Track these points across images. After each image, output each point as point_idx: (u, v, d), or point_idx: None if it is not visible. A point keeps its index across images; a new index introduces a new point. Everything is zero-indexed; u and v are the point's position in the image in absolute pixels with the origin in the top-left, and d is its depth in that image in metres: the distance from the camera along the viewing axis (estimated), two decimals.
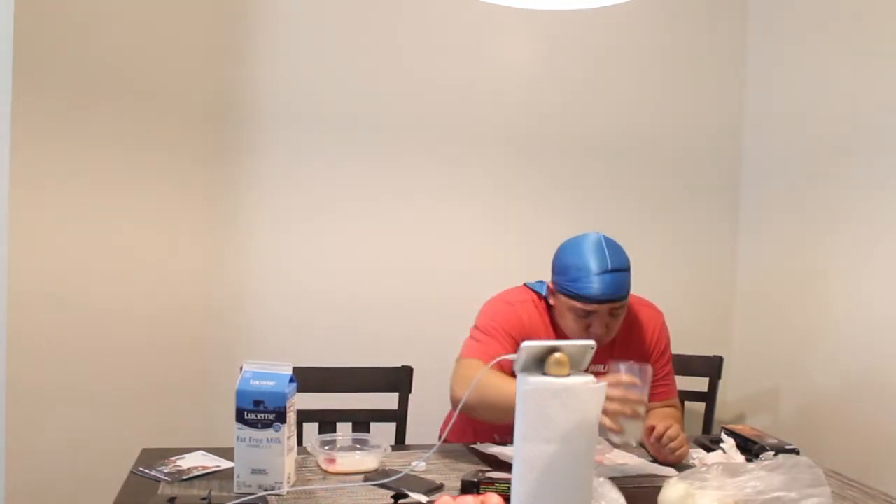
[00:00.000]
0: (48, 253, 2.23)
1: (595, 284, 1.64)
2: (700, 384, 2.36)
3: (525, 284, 1.88)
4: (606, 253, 1.67)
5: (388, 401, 2.06)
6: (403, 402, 2.04)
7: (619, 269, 1.66)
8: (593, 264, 1.65)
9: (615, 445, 1.46)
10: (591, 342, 1.20)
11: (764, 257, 2.63)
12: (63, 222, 2.24)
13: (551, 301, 1.78)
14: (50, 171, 2.22)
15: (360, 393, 2.07)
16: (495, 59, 2.57)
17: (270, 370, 1.46)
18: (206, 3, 2.34)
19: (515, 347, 1.58)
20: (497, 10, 2.49)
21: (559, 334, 1.80)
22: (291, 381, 1.46)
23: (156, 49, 2.30)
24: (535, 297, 1.83)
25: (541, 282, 1.86)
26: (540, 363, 1.17)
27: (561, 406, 1.13)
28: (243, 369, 1.47)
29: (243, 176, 2.41)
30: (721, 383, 2.38)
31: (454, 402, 1.68)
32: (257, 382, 1.43)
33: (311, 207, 2.46)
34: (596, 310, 1.67)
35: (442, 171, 2.54)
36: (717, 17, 2.72)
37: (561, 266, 1.71)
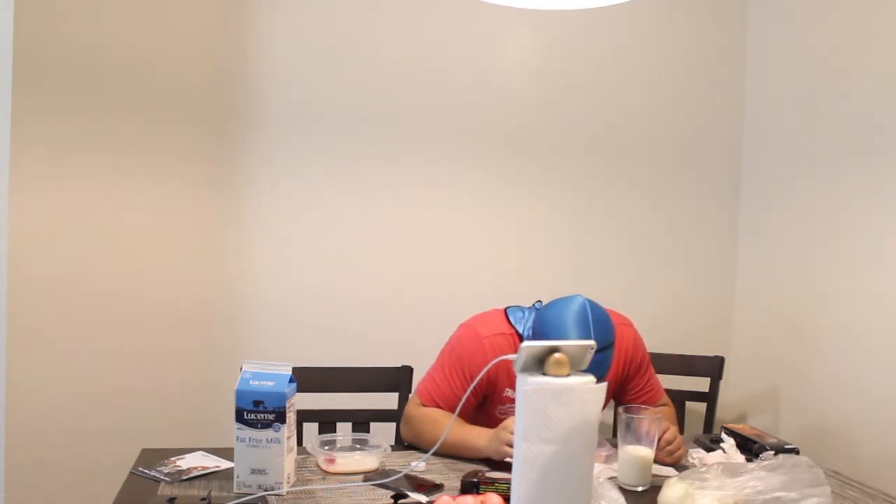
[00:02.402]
0: (48, 253, 2.22)
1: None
2: (701, 384, 2.35)
3: (506, 311, 1.79)
4: (591, 332, 1.56)
5: (388, 401, 2.06)
6: (403, 402, 2.04)
7: (602, 349, 1.56)
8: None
9: (623, 487, 1.48)
10: (591, 342, 1.20)
11: (764, 257, 2.63)
12: (62, 222, 2.24)
13: None
14: (50, 171, 2.22)
15: (360, 393, 2.07)
16: (496, 58, 2.57)
17: (270, 370, 1.46)
18: (206, 3, 2.34)
19: (472, 391, 1.65)
20: (498, 10, 2.49)
21: None
22: (291, 381, 1.46)
23: (156, 48, 2.30)
24: (511, 331, 1.74)
25: (521, 310, 1.78)
26: (540, 363, 1.17)
27: (561, 406, 1.13)
28: (243, 369, 1.47)
29: (243, 176, 2.41)
30: (722, 383, 2.38)
31: (403, 439, 1.81)
32: (257, 382, 1.43)
33: (312, 207, 2.46)
34: None
35: (443, 170, 2.54)
36: (718, 16, 2.72)
37: (542, 334, 1.60)
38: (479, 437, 1.64)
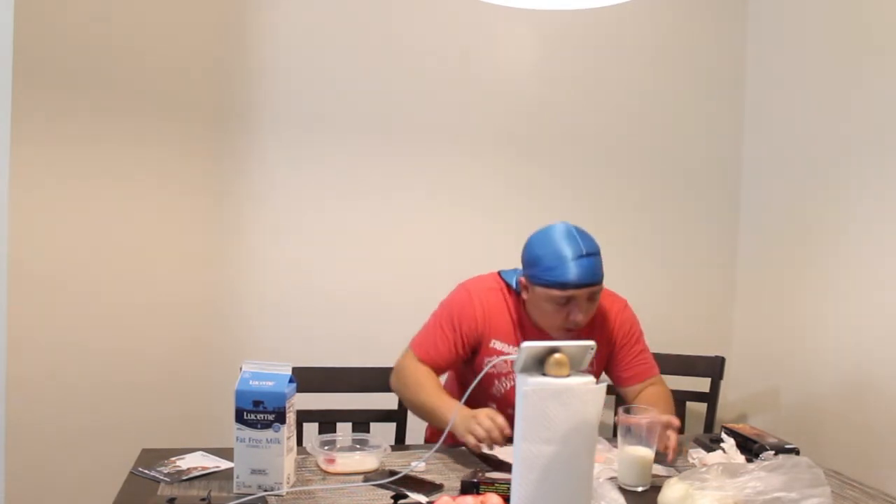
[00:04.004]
0: (48, 253, 2.22)
1: (572, 270, 1.65)
2: (701, 384, 2.35)
3: (499, 273, 1.89)
4: (578, 239, 1.68)
5: (388, 401, 2.06)
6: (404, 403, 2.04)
7: (592, 254, 1.68)
8: (567, 251, 1.66)
9: (623, 488, 1.49)
10: (592, 343, 1.20)
11: (764, 258, 2.63)
12: (62, 222, 2.24)
13: (524, 296, 1.79)
14: (49, 170, 2.22)
15: (360, 393, 2.07)
16: (496, 59, 2.57)
17: (270, 370, 1.46)
18: (207, 2, 2.34)
19: (460, 343, 1.77)
20: (498, 10, 2.48)
21: (525, 328, 1.82)
22: (291, 381, 1.46)
23: (156, 48, 2.30)
24: (503, 286, 1.85)
25: (516, 269, 1.86)
26: (540, 363, 1.17)
27: (561, 406, 1.13)
28: (243, 369, 1.47)
29: (243, 176, 2.41)
30: (722, 383, 2.38)
31: (392, 388, 1.90)
32: (257, 383, 1.43)
33: (312, 207, 2.46)
34: (575, 295, 1.67)
35: (443, 171, 2.54)
36: (718, 20, 2.72)
37: (533, 258, 1.71)
38: (450, 412, 1.66)
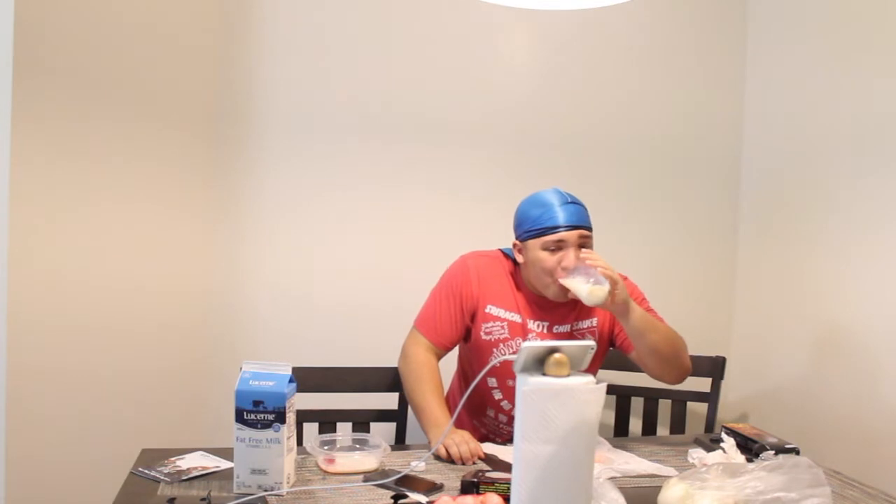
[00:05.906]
0: (47, 254, 2.22)
1: (560, 213, 1.76)
2: (701, 384, 2.35)
3: (500, 249, 1.96)
4: (562, 191, 1.81)
5: (388, 401, 2.06)
6: (403, 402, 2.04)
7: (578, 203, 1.80)
8: (554, 200, 1.78)
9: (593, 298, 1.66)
10: (591, 343, 1.20)
11: (764, 257, 2.63)
12: (62, 223, 2.24)
13: (520, 259, 1.85)
14: (50, 171, 2.21)
15: (360, 393, 2.07)
16: (495, 59, 2.57)
17: (270, 370, 1.46)
18: (207, 4, 2.34)
19: (460, 311, 1.89)
20: (497, 10, 2.49)
21: (523, 291, 1.87)
22: (291, 381, 1.46)
23: (156, 49, 2.29)
24: (501, 255, 1.93)
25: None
26: (540, 363, 1.17)
27: (560, 406, 1.13)
28: (243, 369, 1.47)
29: (242, 178, 2.41)
30: (722, 383, 2.38)
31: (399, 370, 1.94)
32: (257, 383, 1.43)
33: (310, 209, 2.46)
34: (566, 237, 1.74)
35: (441, 172, 2.54)
36: (717, 17, 2.72)
37: (522, 215, 1.83)
38: (429, 421, 1.75)
